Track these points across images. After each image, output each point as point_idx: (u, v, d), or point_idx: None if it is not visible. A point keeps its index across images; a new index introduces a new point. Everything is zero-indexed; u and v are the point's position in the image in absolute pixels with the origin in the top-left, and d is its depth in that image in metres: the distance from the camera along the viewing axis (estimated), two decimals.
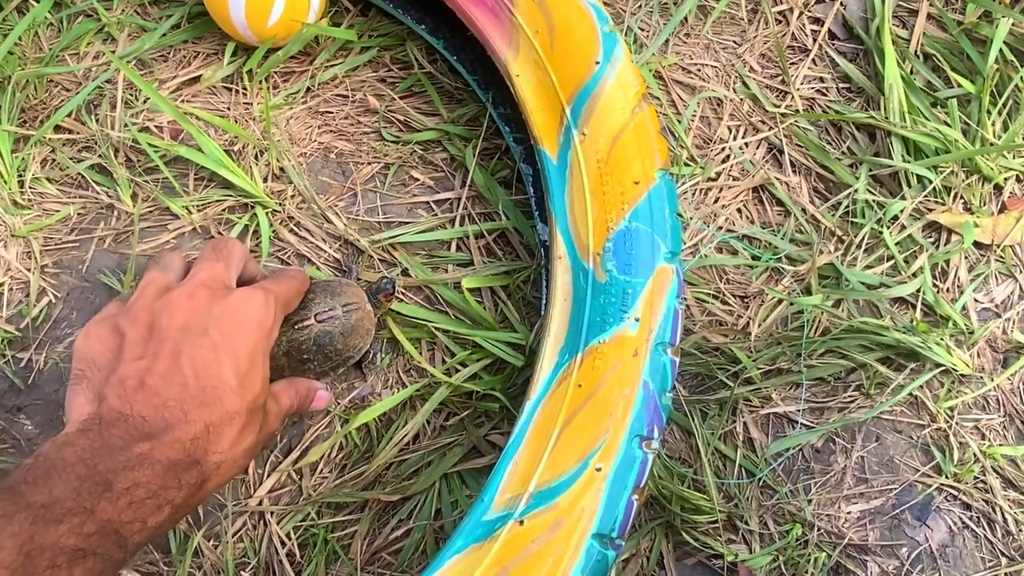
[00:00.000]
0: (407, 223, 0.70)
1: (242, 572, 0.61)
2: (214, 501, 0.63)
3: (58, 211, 0.69)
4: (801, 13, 0.80)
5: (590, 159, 0.59)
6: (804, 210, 0.72)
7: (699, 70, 0.78)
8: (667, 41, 0.79)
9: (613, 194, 0.57)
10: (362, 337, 0.61)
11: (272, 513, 0.62)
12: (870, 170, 0.73)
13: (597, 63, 0.61)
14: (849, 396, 0.65)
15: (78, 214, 0.69)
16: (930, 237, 0.70)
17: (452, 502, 0.62)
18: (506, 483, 0.52)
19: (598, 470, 0.50)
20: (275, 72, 0.74)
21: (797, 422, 0.64)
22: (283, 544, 0.61)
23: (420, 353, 0.66)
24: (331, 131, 0.72)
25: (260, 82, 0.73)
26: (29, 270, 0.67)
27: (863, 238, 0.70)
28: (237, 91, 0.73)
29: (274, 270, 0.62)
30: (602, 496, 0.50)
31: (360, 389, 0.66)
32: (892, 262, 0.69)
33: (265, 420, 0.49)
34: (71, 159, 0.70)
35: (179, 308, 0.46)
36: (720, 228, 0.71)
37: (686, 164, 0.73)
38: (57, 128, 0.71)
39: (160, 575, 0.61)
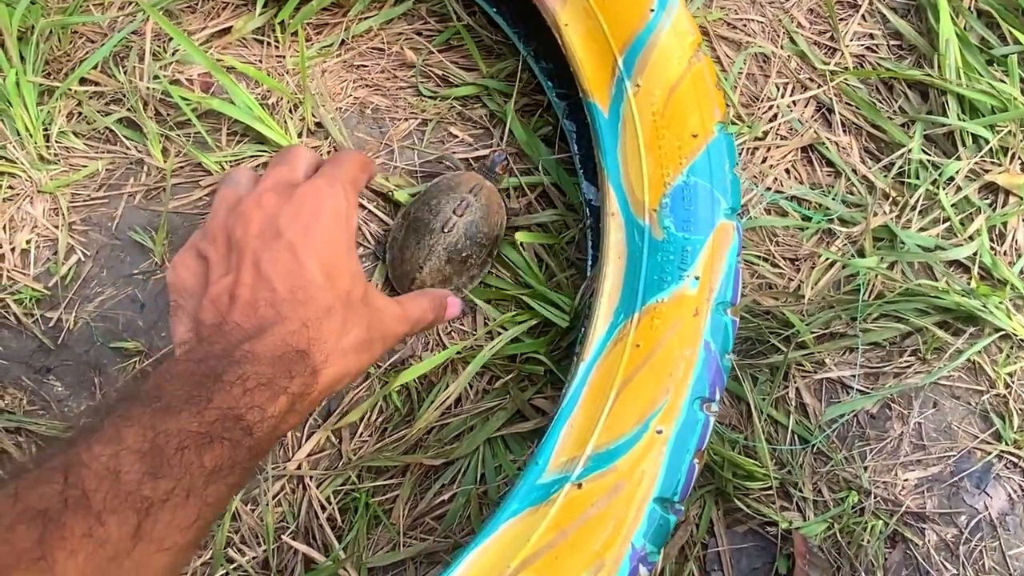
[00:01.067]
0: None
1: (282, 536, 0.59)
2: None
3: (86, 166, 0.67)
4: None
5: (645, 112, 0.56)
6: (855, 170, 0.70)
7: (745, 25, 0.76)
8: None
9: (670, 148, 0.55)
10: (498, 212, 0.64)
11: (311, 477, 0.60)
12: (924, 129, 0.70)
13: (652, 10, 0.58)
14: (905, 361, 0.63)
15: (107, 169, 0.67)
16: (987, 199, 0.68)
17: (496, 467, 0.61)
18: (561, 446, 0.50)
19: (659, 432, 0.48)
20: (308, 24, 0.71)
21: (852, 387, 0.62)
22: (323, 508, 0.60)
23: (462, 316, 0.64)
24: (367, 85, 0.70)
25: (293, 34, 0.70)
26: (57, 227, 0.65)
27: (918, 199, 0.67)
28: (268, 43, 0.70)
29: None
30: (663, 459, 0.48)
31: (401, 351, 0.64)
32: (948, 224, 0.67)
33: (377, 318, 0.48)
34: (98, 112, 0.67)
35: (250, 217, 0.45)
36: (769, 189, 0.69)
37: (732, 122, 0.71)
38: (83, 80, 0.68)
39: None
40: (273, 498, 0.60)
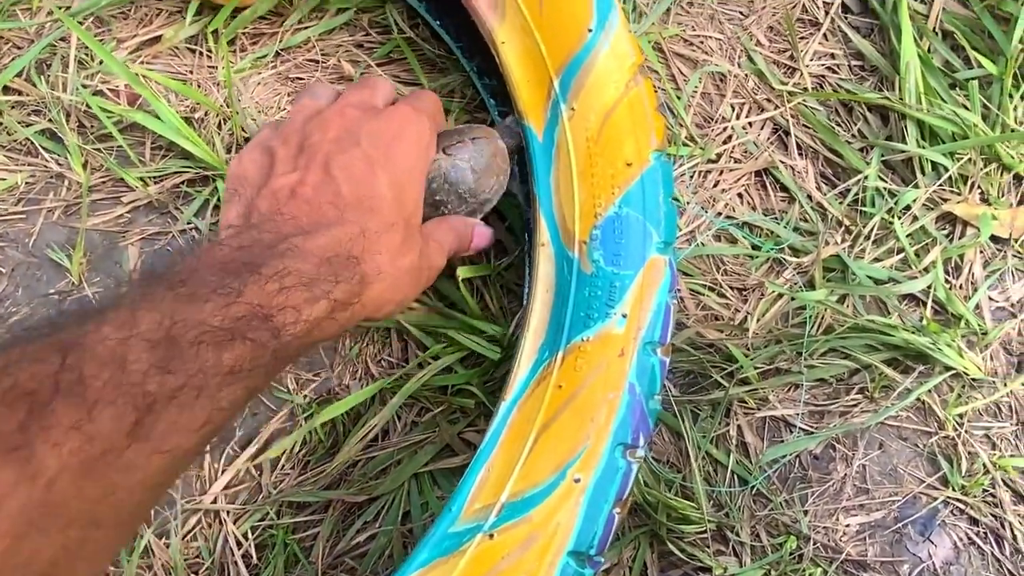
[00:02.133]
0: None
1: (194, 574, 0.56)
2: (166, 498, 0.58)
3: (4, 179, 0.64)
4: None
5: (579, 137, 0.54)
6: (810, 196, 0.67)
7: (702, 42, 0.73)
8: (668, 10, 0.73)
9: (603, 176, 0.52)
10: (497, 177, 0.56)
11: (228, 512, 0.58)
12: (882, 155, 0.68)
13: (590, 30, 0.55)
14: (852, 400, 0.60)
15: (26, 183, 0.64)
16: (944, 229, 0.65)
17: (422, 504, 0.58)
18: (476, 492, 0.47)
19: (576, 481, 0.46)
20: (242, 33, 0.68)
21: (795, 426, 0.60)
22: (239, 545, 0.57)
23: (390, 343, 0.61)
24: None
25: (229, 43, 0.67)
26: None
27: (872, 228, 0.65)
28: (201, 53, 0.67)
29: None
30: (580, 510, 0.45)
31: (325, 379, 0.61)
32: (902, 255, 0.64)
33: (426, 250, 0.47)
34: (19, 123, 0.64)
35: (331, 124, 0.45)
36: (719, 214, 0.66)
37: (684, 144, 0.68)
38: (5, 89, 0.65)
39: (106, 574, 0.57)
40: (187, 534, 0.57)
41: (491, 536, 0.45)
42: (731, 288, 0.64)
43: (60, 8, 0.66)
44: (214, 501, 0.58)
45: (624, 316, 0.49)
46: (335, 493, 0.57)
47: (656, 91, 0.63)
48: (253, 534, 0.58)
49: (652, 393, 0.48)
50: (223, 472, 0.59)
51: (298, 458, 0.59)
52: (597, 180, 0.52)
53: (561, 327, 0.50)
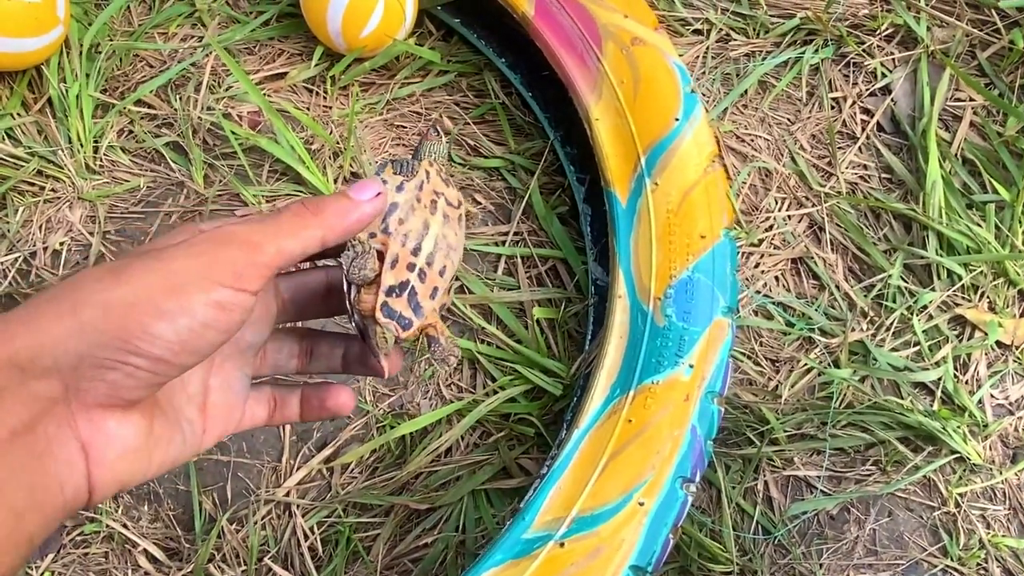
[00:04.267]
0: (469, 235, 0.72)
1: (263, 559, 0.61)
2: (243, 486, 0.64)
3: (128, 181, 0.70)
4: (854, 103, 0.85)
5: (660, 208, 0.62)
6: (839, 287, 0.75)
7: (752, 140, 0.82)
8: (725, 110, 0.83)
9: (679, 244, 0.60)
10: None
11: (299, 506, 0.63)
12: (905, 258, 0.76)
13: (677, 120, 0.64)
14: (867, 470, 0.67)
15: (148, 187, 0.71)
16: (955, 329, 0.74)
17: (477, 519, 0.63)
18: (548, 504, 0.53)
19: (641, 504, 0.52)
20: (356, 80, 0.76)
21: (816, 487, 0.66)
22: (306, 537, 0.62)
23: (462, 370, 0.68)
24: (403, 144, 0.75)
25: (342, 88, 0.75)
26: (91, 234, 0.68)
27: (892, 322, 0.73)
28: (318, 93, 0.75)
29: None
30: (643, 530, 0.52)
31: (399, 396, 0.67)
32: (918, 348, 0.72)
33: None
34: (148, 133, 0.71)
35: None
36: (759, 292, 0.74)
37: (731, 227, 0.76)
38: (138, 102, 0.73)
39: (180, 552, 0.62)
40: (258, 521, 0.62)
41: (562, 544, 0.51)
42: (765, 358, 0.71)
43: (202, 39, 0.74)
44: (287, 494, 0.63)
45: (691, 366, 0.56)
46: (400, 499, 0.63)
47: (727, 178, 0.71)
48: (319, 529, 0.63)
49: (710, 436, 0.55)
50: (297, 469, 0.64)
51: (367, 463, 0.65)
52: (674, 246, 0.60)
53: (633, 369, 0.57)
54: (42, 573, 0.61)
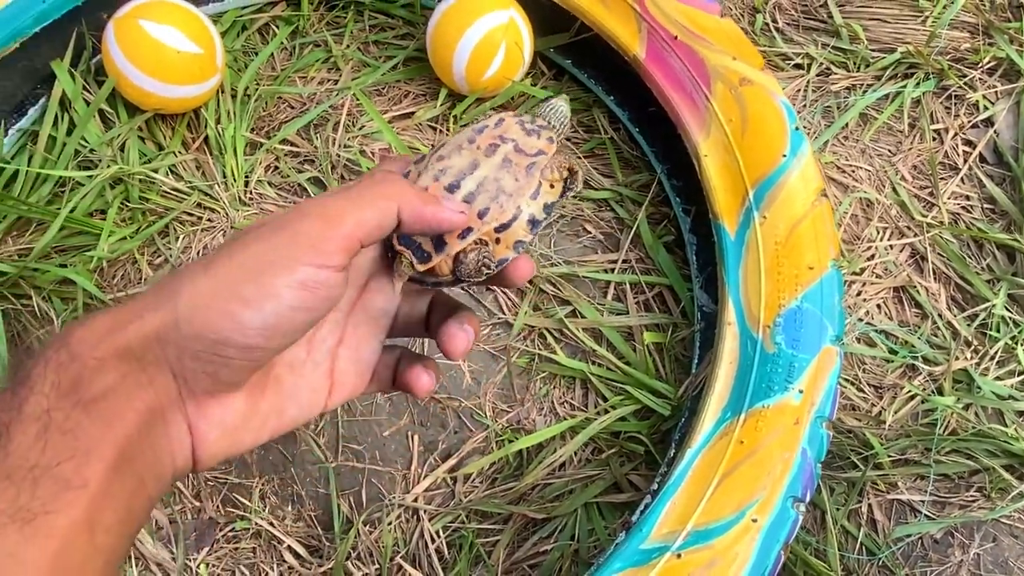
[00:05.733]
0: (580, 263, 0.77)
1: (395, 558, 0.67)
2: (376, 491, 0.70)
3: (271, 211, 0.78)
4: (956, 134, 0.86)
5: (768, 240, 0.65)
6: (941, 316, 0.77)
7: (853, 171, 0.85)
8: (827, 142, 0.86)
9: (788, 275, 0.64)
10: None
11: (425, 511, 0.69)
12: (1008, 289, 0.78)
13: (784, 156, 0.68)
14: (971, 496, 0.69)
15: None
16: None
17: (589, 529, 0.68)
18: (664, 518, 0.58)
19: (754, 521, 0.56)
20: (476, 119, 0.82)
21: (920, 511, 0.68)
22: (432, 540, 0.68)
23: (574, 389, 0.73)
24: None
25: (463, 126, 0.81)
26: None
27: (997, 351, 0.74)
28: (441, 131, 0.82)
29: None
30: (755, 545, 0.55)
31: (516, 412, 0.72)
32: (1022, 377, 0.73)
33: None
34: (292, 168, 0.79)
35: None
36: (861, 320, 0.77)
37: (837, 258, 0.79)
38: (283, 140, 0.80)
39: (321, 549, 0.68)
40: (389, 524, 0.68)
41: (678, 556, 0.55)
42: (868, 385, 0.74)
43: (337, 82, 0.82)
44: (415, 500, 0.69)
45: (800, 392, 0.60)
46: (519, 508, 0.68)
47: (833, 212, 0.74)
48: (444, 533, 0.68)
49: (819, 459, 0.58)
50: (425, 477, 0.70)
51: (487, 474, 0.70)
52: (783, 277, 0.64)
53: (743, 393, 0.61)
54: (199, 564, 0.68)
